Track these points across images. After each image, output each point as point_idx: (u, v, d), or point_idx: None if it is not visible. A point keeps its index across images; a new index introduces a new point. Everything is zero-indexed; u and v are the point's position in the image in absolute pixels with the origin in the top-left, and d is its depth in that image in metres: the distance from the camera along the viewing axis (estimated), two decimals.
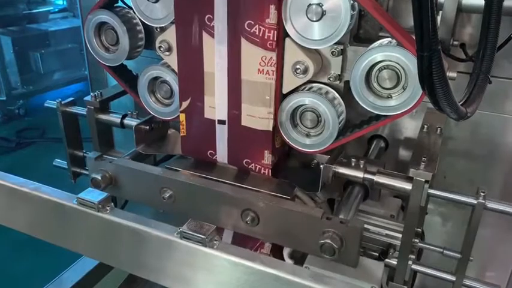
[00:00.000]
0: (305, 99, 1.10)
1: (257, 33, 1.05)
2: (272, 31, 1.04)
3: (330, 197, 1.36)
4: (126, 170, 1.26)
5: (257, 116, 1.14)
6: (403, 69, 1.00)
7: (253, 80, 1.10)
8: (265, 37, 1.05)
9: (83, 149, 1.61)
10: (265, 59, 1.07)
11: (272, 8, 1.02)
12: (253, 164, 1.20)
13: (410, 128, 1.55)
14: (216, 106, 1.18)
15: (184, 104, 1.22)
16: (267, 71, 1.08)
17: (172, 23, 1.16)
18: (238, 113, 1.16)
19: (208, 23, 1.09)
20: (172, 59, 1.21)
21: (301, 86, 1.11)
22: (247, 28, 1.06)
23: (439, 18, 1.20)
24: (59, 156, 1.66)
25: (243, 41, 1.07)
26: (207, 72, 1.15)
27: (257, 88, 1.11)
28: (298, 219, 1.08)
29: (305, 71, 1.07)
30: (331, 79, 1.10)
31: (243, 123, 1.16)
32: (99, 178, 1.24)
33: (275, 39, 1.04)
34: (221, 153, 1.23)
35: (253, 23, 1.05)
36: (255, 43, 1.06)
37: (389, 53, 0.99)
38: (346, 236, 1.04)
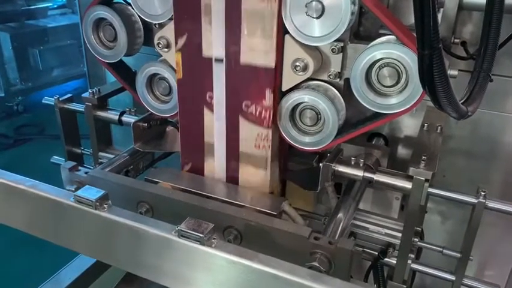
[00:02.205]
0: (304, 96, 1.09)
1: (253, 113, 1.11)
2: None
3: (337, 181, 1.33)
4: (102, 182, 1.19)
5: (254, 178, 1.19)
6: (404, 67, 0.99)
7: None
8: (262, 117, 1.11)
9: (81, 145, 1.61)
10: (261, 135, 1.13)
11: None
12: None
13: (410, 126, 1.55)
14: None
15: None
16: (263, 145, 1.14)
17: (170, 19, 1.15)
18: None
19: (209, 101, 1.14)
20: (170, 56, 1.20)
21: (300, 83, 1.10)
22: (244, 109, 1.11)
23: (440, 15, 1.20)
24: (57, 153, 1.65)
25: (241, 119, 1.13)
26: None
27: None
28: (284, 238, 1.02)
29: (305, 68, 1.06)
30: (331, 76, 1.09)
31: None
32: (73, 191, 1.19)
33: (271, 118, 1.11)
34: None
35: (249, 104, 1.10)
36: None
37: (390, 51, 0.98)
38: (335, 258, 0.97)
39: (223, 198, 1.16)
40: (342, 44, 1.06)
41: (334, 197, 1.26)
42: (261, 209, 1.11)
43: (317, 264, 0.96)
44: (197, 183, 1.23)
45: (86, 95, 1.47)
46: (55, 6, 6.20)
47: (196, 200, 1.12)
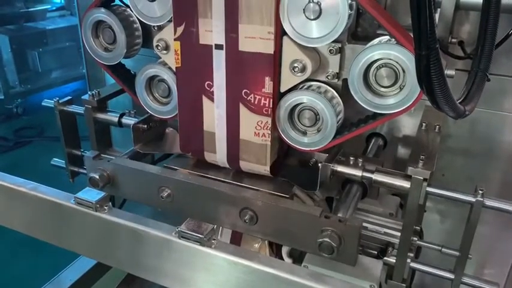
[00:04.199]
0: (303, 97, 1.10)
1: (253, 100, 1.11)
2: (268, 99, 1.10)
3: (328, 195, 1.36)
4: (125, 169, 1.26)
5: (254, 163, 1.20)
6: (401, 67, 1.00)
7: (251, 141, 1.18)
8: (261, 104, 1.11)
9: (81, 148, 1.61)
10: (261, 123, 1.14)
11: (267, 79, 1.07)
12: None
13: (408, 125, 1.55)
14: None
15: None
16: (263, 133, 1.15)
17: (169, 21, 1.15)
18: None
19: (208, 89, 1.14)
20: (169, 58, 1.20)
21: (299, 84, 1.11)
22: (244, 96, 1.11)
23: (437, 15, 1.20)
24: (57, 155, 1.66)
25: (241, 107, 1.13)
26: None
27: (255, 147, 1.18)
28: (297, 218, 1.09)
29: (303, 69, 1.07)
30: (329, 77, 1.10)
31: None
32: (97, 177, 1.24)
33: (271, 106, 1.11)
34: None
35: (249, 92, 1.11)
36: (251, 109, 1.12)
37: (387, 51, 0.99)
38: (345, 235, 1.04)
39: (239, 183, 1.21)
40: (339, 45, 1.06)
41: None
42: (275, 192, 1.17)
43: (328, 240, 1.02)
44: (214, 171, 1.27)
45: (85, 97, 1.47)
46: (54, 8, 6.21)
47: (214, 184, 1.18)
